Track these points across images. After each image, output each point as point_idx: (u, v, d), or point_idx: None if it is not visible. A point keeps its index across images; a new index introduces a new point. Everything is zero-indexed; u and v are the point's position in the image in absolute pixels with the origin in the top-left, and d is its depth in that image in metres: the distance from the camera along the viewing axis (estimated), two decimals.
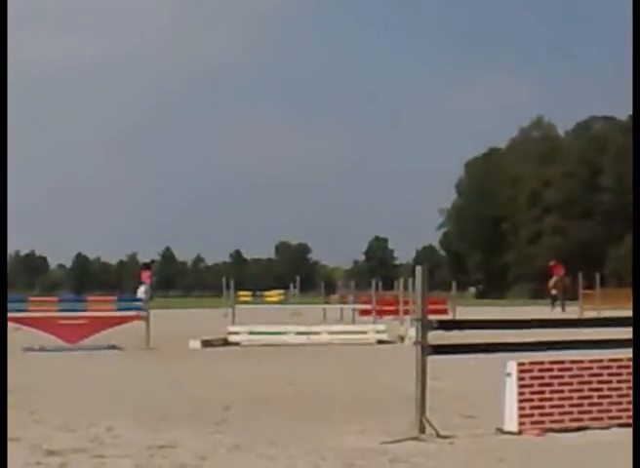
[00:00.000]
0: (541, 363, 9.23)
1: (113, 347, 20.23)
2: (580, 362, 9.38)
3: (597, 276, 35.69)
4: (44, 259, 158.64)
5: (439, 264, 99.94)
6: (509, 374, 9.18)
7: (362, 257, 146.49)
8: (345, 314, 32.76)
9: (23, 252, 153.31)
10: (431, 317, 9.21)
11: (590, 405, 9.31)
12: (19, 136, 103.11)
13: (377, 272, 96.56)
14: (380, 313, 29.04)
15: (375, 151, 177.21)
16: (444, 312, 27.25)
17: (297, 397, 12.38)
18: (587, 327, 10.68)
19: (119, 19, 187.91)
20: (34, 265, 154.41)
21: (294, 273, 74.63)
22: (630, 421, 9.03)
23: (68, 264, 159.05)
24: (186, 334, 22.29)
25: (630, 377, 9.30)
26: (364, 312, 29.57)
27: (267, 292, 45.08)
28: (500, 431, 9.07)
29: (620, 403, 9.37)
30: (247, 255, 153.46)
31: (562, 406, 9.19)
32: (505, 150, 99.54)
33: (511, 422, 9.06)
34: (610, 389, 9.39)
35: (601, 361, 9.45)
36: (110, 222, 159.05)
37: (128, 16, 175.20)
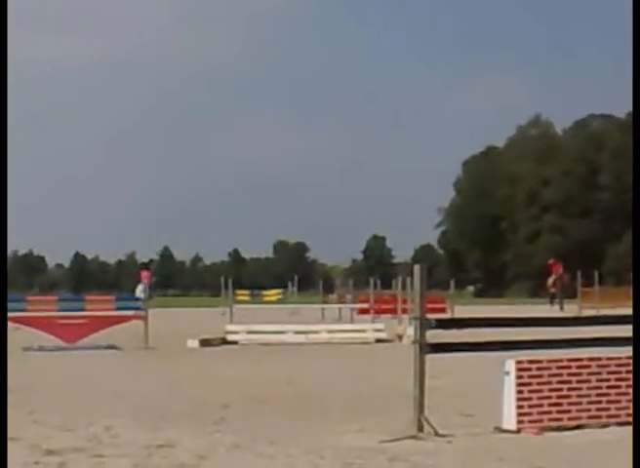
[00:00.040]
0: (540, 361, 9.23)
1: (112, 347, 20.22)
2: (579, 360, 9.38)
3: (596, 274, 35.74)
4: (42, 259, 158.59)
5: (437, 263, 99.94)
6: (508, 373, 9.18)
7: (360, 256, 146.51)
8: (344, 313, 32.76)
9: (22, 251, 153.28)
10: (430, 316, 9.22)
11: (589, 403, 9.31)
12: (19, 136, 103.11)
13: (375, 271, 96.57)
14: (379, 312, 29.04)
15: (374, 151, 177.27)
16: (442, 311, 27.25)
17: (295, 396, 12.38)
18: (586, 325, 10.68)
19: (119, 19, 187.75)
20: (32, 265, 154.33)
21: (292, 272, 74.61)
22: (629, 419, 9.03)
23: (66, 264, 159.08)
24: (185, 334, 22.29)
25: (629, 375, 9.30)
26: (362, 311, 29.58)
27: (266, 292, 45.14)
28: (499, 429, 9.07)
29: (618, 401, 9.38)
30: (245, 255, 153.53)
31: (560, 404, 9.19)
32: (503, 149, 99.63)
33: (510, 421, 9.06)
34: (608, 387, 9.39)
35: (600, 359, 9.45)
36: (108, 222, 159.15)
37: (128, 16, 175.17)
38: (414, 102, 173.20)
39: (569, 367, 9.29)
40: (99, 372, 15.95)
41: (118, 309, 21.71)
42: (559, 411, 9.19)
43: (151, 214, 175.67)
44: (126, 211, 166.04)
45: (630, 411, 9.13)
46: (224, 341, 22.01)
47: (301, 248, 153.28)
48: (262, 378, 14.70)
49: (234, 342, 21.96)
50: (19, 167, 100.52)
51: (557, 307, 38.28)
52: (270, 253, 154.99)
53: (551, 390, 9.18)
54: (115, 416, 10.23)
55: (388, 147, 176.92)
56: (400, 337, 21.91)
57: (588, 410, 9.31)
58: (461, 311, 27.76)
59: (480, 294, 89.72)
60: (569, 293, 39.27)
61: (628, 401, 9.25)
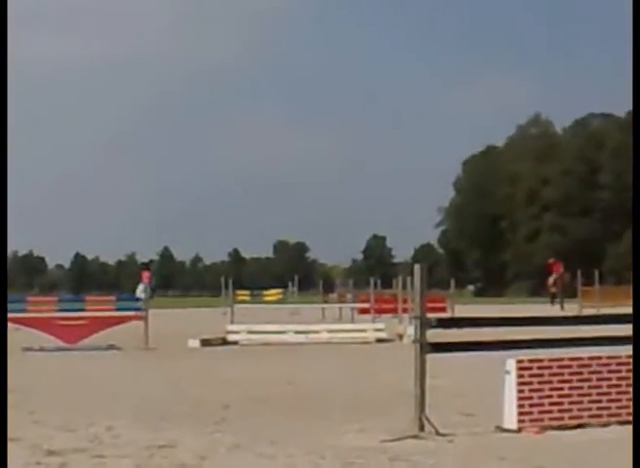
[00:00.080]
0: (541, 360, 9.23)
1: (112, 347, 20.23)
2: (580, 359, 9.38)
3: (596, 273, 35.73)
4: (42, 260, 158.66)
5: (437, 262, 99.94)
6: (508, 372, 9.18)
7: (360, 256, 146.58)
8: (344, 313, 32.76)
9: (22, 252, 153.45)
10: (430, 315, 9.22)
11: (590, 402, 9.31)
12: (19, 136, 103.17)
13: (375, 270, 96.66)
14: (379, 311, 29.02)
15: (374, 151, 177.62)
16: (443, 310, 27.23)
17: (296, 396, 12.38)
18: (586, 324, 10.67)
19: (119, 19, 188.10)
20: (32, 265, 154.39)
21: (292, 272, 74.60)
22: (630, 419, 9.03)
23: (67, 264, 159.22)
24: (185, 334, 22.30)
25: (630, 374, 9.29)
26: (363, 311, 29.56)
27: (266, 292, 45.06)
28: (500, 429, 9.07)
29: (619, 400, 9.37)
30: (245, 255, 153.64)
31: (561, 403, 9.19)
32: (503, 148, 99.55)
33: (510, 420, 9.06)
34: (609, 386, 9.39)
35: (600, 358, 9.45)
36: (109, 222, 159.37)
37: (128, 16, 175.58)
38: (414, 102, 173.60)
39: (569, 366, 9.29)
40: (99, 373, 15.95)
41: (118, 310, 21.71)
42: (560, 411, 9.19)
43: (151, 215, 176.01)
44: (126, 211, 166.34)
45: (631, 410, 9.13)
46: (225, 341, 22.00)
47: (301, 248, 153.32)
48: (263, 378, 14.70)
49: (235, 342, 21.96)
50: (19, 167, 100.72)
51: (558, 306, 38.28)
52: (270, 253, 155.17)
53: (552, 389, 9.18)
54: (116, 417, 10.23)
55: (388, 147, 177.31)
56: (400, 337, 21.90)
57: (589, 409, 9.31)
58: (462, 310, 27.75)
59: (480, 294, 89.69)
60: (569, 293, 39.25)
61: (629, 400, 9.25)
